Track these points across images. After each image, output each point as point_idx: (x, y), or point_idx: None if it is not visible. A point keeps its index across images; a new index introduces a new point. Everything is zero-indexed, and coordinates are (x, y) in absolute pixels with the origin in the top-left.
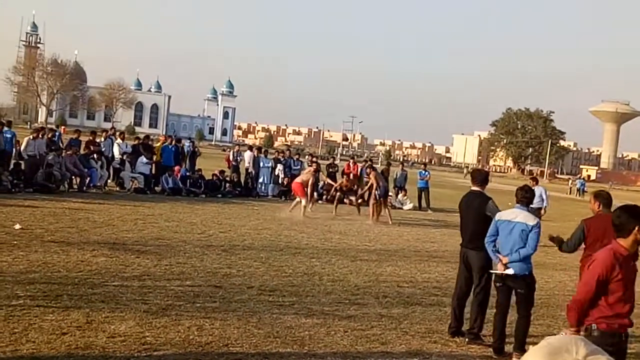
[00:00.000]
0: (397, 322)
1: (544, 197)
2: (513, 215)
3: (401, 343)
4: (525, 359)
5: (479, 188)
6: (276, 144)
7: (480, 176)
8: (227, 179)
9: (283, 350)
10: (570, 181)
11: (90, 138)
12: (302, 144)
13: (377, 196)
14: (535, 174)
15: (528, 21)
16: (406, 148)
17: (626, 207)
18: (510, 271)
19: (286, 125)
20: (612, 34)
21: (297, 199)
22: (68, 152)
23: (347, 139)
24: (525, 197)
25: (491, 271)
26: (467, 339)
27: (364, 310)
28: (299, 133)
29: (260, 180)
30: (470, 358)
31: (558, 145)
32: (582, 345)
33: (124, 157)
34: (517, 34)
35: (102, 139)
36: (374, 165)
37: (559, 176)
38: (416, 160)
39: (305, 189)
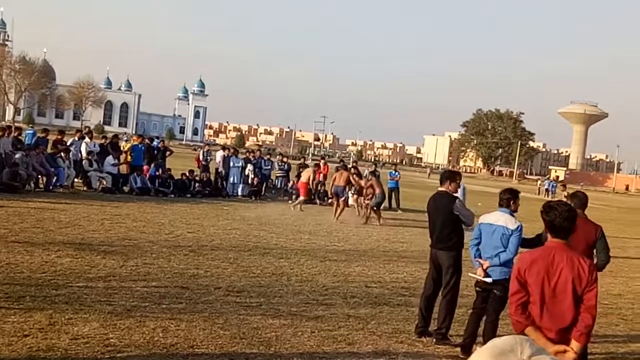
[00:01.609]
0: (365, 322)
1: (461, 195)
2: (495, 218)
3: (368, 343)
4: None
5: (445, 189)
6: (248, 144)
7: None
8: (197, 178)
9: (249, 352)
10: (539, 182)
11: (58, 137)
12: (273, 143)
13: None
14: (456, 169)
15: (498, 24)
16: (378, 148)
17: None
18: (488, 279)
19: (258, 125)
20: (583, 37)
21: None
22: (35, 151)
23: (318, 139)
24: (505, 199)
25: (470, 275)
26: (434, 339)
27: (331, 310)
28: (270, 133)
29: (230, 180)
30: (437, 358)
31: (527, 146)
32: (527, 346)
33: (90, 157)
34: (487, 35)
35: (76, 138)
36: (376, 172)
37: (528, 177)
38: (387, 160)
39: (308, 186)
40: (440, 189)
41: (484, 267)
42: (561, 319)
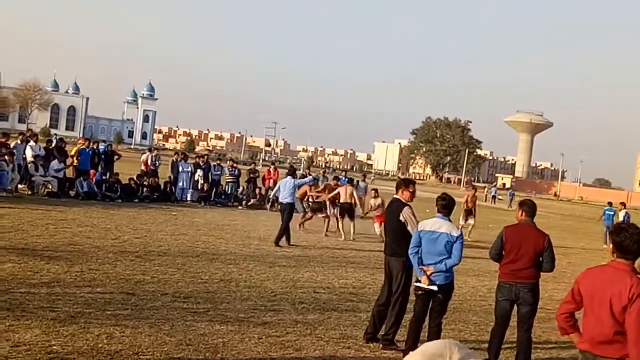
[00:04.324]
0: (312, 328)
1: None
2: (437, 225)
3: (315, 349)
4: None
5: (399, 196)
6: (198, 149)
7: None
8: (145, 183)
9: (195, 358)
10: (486, 189)
11: (2, 140)
12: (224, 149)
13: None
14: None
15: (446, 31)
16: (328, 155)
17: None
18: (434, 287)
19: (208, 129)
20: (530, 46)
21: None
22: None
23: (269, 145)
24: (445, 207)
25: (415, 284)
26: (381, 345)
27: (279, 316)
28: (221, 138)
29: (180, 185)
30: None
31: (475, 153)
32: (457, 350)
33: (35, 161)
34: (437, 43)
35: (18, 142)
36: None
37: (476, 184)
38: (338, 166)
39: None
40: (395, 196)
41: (428, 274)
42: (595, 334)
